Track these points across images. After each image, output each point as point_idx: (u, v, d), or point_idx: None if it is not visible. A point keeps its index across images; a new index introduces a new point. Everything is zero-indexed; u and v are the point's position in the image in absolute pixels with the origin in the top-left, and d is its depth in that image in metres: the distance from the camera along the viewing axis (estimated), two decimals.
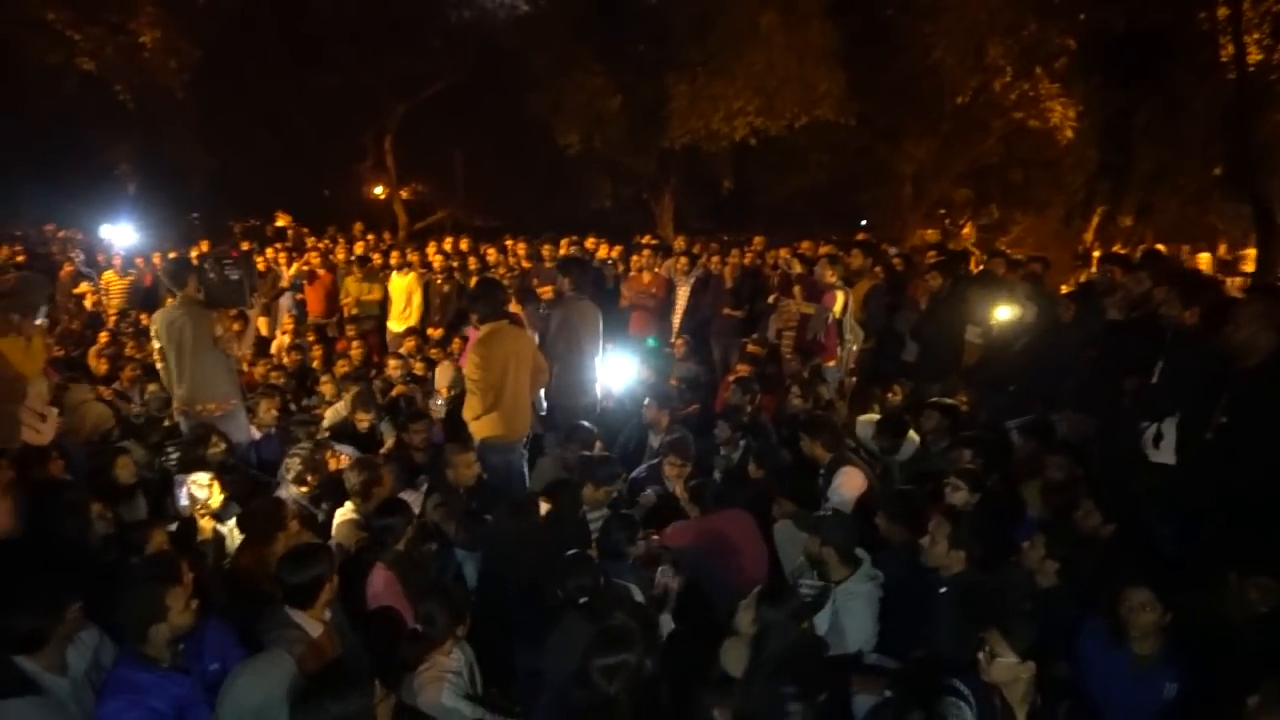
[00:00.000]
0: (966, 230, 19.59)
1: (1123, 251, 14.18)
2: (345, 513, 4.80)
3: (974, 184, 18.04)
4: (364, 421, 6.54)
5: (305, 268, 10.53)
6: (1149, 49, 12.65)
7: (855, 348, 7.65)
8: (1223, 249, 18.69)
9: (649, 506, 5.32)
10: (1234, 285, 10.85)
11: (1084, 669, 3.47)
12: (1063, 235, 17.60)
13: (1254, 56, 11.71)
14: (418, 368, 8.15)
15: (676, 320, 9.09)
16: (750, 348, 8.13)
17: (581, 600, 3.72)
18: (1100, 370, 5.42)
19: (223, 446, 5.38)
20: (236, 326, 6.12)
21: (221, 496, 4.73)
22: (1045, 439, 5.45)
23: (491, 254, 11.38)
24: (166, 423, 6.19)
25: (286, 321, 10.38)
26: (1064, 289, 9.15)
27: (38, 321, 5.13)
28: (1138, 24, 12.54)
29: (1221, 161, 13.30)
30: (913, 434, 5.86)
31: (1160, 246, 12.50)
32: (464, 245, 11.99)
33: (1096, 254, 14.33)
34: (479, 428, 5.49)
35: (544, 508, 4.70)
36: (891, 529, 4.39)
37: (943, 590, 3.83)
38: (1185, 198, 15.63)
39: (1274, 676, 2.81)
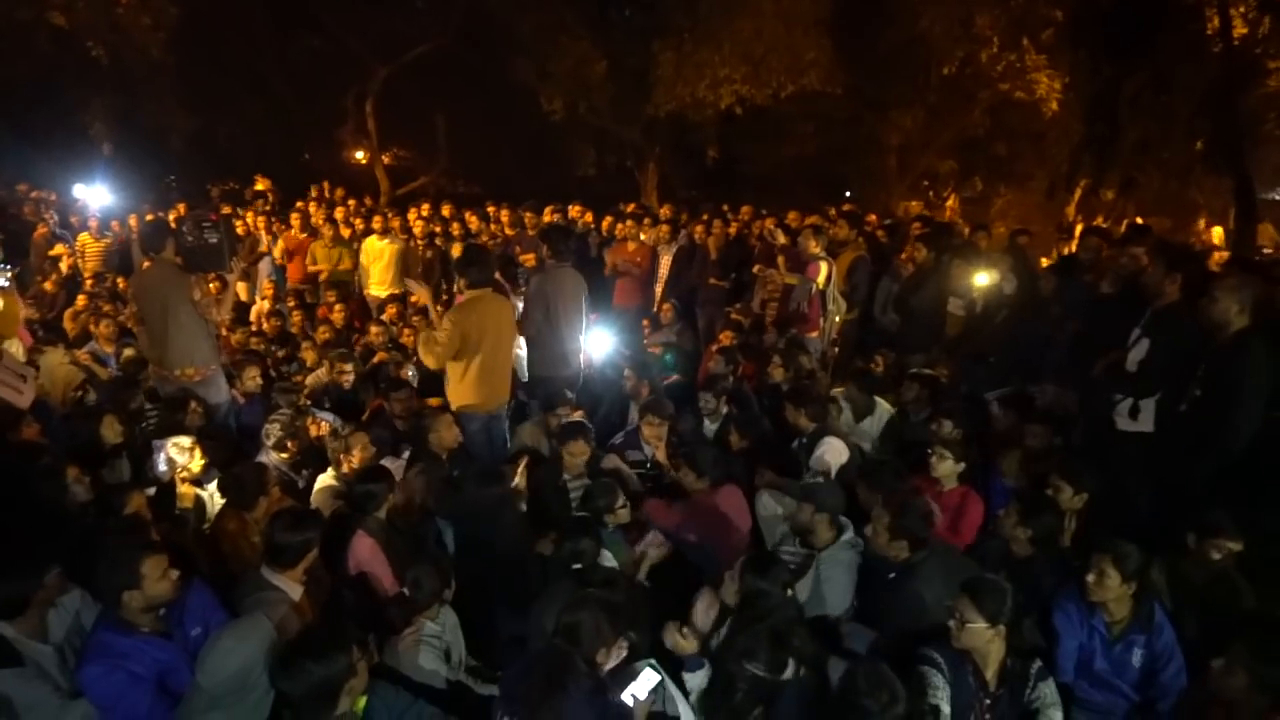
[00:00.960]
0: (950, 202, 19.58)
1: (1104, 225, 14.26)
2: (325, 479, 4.81)
3: (959, 156, 18.01)
4: (346, 375, 6.53)
5: (290, 244, 10.39)
6: (1137, 21, 12.62)
7: (838, 319, 7.68)
8: (1202, 224, 18.81)
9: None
10: (1218, 260, 10.91)
11: (1058, 638, 3.52)
12: (1046, 208, 17.62)
13: (1239, 30, 11.71)
14: (405, 335, 8.08)
15: (659, 289, 9.07)
16: (734, 316, 8.14)
17: (575, 566, 3.75)
18: (1083, 343, 5.46)
19: (201, 412, 5.36)
20: (214, 289, 6.06)
21: (202, 460, 4.71)
22: (1024, 410, 5.51)
23: (474, 221, 11.27)
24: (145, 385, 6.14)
25: (266, 287, 10.27)
26: (1045, 262, 9.19)
27: (2, 283, 5.06)
28: None
29: (1205, 135, 13.36)
30: (884, 402, 5.91)
31: (1139, 219, 12.56)
32: (446, 211, 11.86)
33: (1079, 228, 14.39)
34: (456, 395, 5.50)
35: (521, 475, 4.70)
36: (872, 499, 4.43)
37: (891, 576, 3.81)
38: (1169, 172, 15.68)
39: (1239, 639, 2.88)
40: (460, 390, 5.47)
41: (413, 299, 9.03)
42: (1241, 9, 11.78)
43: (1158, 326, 4.81)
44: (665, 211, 10.76)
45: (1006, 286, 6.74)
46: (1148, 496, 4.68)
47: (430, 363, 5.41)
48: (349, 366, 6.62)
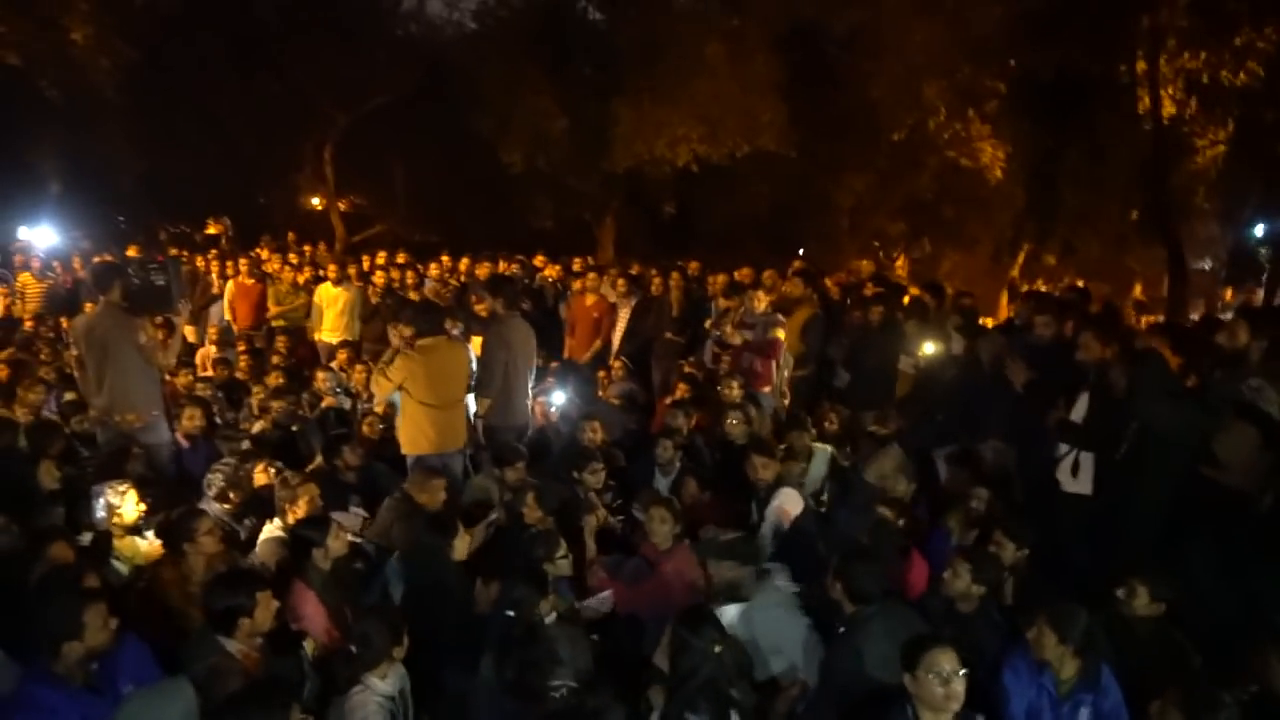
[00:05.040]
0: (900, 263, 20.10)
1: (1045, 288, 14.77)
2: (270, 530, 4.70)
3: (908, 218, 18.55)
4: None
5: (239, 290, 10.26)
6: (1075, 96, 13.26)
7: (786, 373, 7.76)
8: (1138, 290, 19.64)
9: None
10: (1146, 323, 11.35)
11: (1008, 696, 3.53)
12: (992, 271, 18.20)
13: (1168, 110, 12.36)
14: (357, 378, 7.97)
15: (615, 342, 9.11)
16: (687, 369, 8.20)
17: (509, 613, 3.71)
18: (1027, 398, 5.61)
19: (143, 458, 5.21)
20: (160, 335, 5.94)
21: (140, 508, 4.56)
22: (971, 468, 5.62)
23: (434, 269, 11.24)
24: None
25: (214, 332, 10.09)
26: (989, 323, 9.46)
27: None
28: (1065, 72, 13.14)
29: (1139, 206, 13.97)
30: (820, 445, 6.02)
31: (1080, 282, 13.03)
32: (401, 259, 11.85)
33: (1025, 289, 14.91)
34: (411, 441, 5.59)
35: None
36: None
37: (841, 630, 3.81)
38: (1106, 239, 16.35)
39: (1174, 683, 2.96)
40: (415, 435, 5.59)
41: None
42: (1170, 90, 12.46)
43: (1100, 387, 4.98)
44: (634, 269, 10.87)
45: (955, 346, 6.91)
46: (1089, 553, 4.80)
47: (378, 391, 5.66)
48: (276, 404, 6.67)
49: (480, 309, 8.65)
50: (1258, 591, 4.00)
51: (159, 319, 6.21)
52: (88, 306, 5.61)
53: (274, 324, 10.09)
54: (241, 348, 9.40)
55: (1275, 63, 11.12)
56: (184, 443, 5.99)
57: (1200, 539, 4.37)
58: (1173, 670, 3.61)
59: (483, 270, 10.15)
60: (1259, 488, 4.26)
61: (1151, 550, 4.38)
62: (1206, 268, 20.02)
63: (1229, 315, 7.03)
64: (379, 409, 6.60)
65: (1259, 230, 13.35)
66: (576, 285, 9.63)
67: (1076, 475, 5.01)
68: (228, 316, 10.24)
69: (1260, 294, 13.24)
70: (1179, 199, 12.98)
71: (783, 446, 5.88)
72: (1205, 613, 3.96)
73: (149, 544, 4.49)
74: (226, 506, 4.98)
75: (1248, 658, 3.42)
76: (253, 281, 10.32)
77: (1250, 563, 4.13)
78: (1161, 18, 11.77)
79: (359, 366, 8.20)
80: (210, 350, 9.62)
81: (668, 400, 7.50)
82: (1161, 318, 11.42)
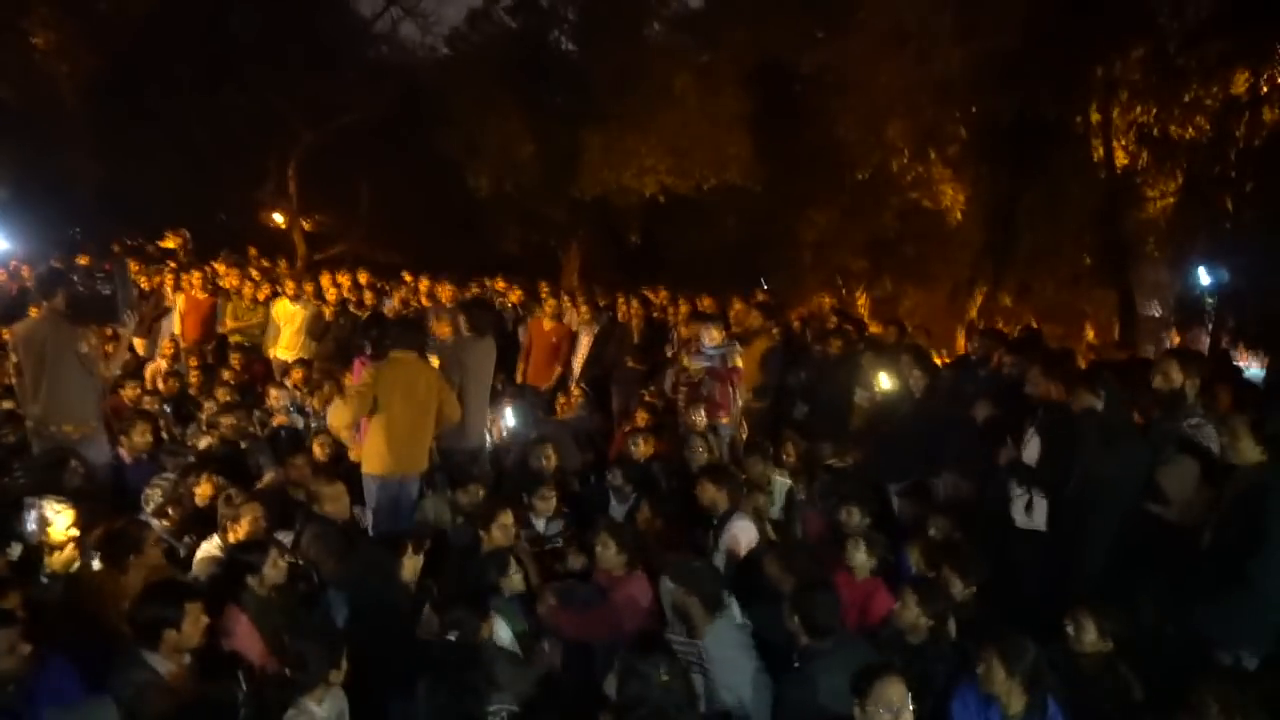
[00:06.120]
0: (861, 300, 20.36)
1: (1002, 328, 15.00)
2: (208, 548, 4.57)
3: (870, 255, 18.82)
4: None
5: (189, 304, 10.02)
6: (1033, 142, 13.61)
7: (740, 403, 7.76)
8: (1090, 333, 20.10)
9: None
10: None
11: None
12: (950, 310, 18.47)
13: (1121, 161, 12.75)
14: (314, 403, 7.80)
15: (576, 368, 9.08)
16: (648, 398, 8.18)
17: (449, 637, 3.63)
18: (982, 433, 5.66)
19: (81, 472, 5.04)
20: (109, 349, 5.78)
21: (73, 532, 4.37)
22: (925, 501, 5.66)
23: (402, 293, 11.13)
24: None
25: (166, 345, 9.83)
26: (946, 359, 9.59)
27: None
28: (1024, 116, 13.50)
29: (1093, 250, 14.34)
30: (779, 477, 6.03)
31: (1034, 324, 13.31)
32: (363, 279, 11.71)
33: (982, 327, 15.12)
34: (368, 460, 5.43)
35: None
36: (784, 579, 4.41)
37: (796, 665, 3.80)
38: (1060, 281, 16.72)
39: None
40: (372, 455, 5.41)
41: None
42: (1123, 141, 12.86)
43: (1047, 425, 5.05)
44: (603, 300, 10.86)
45: (915, 382, 6.94)
46: (1043, 589, 4.83)
47: (337, 420, 5.46)
48: (225, 420, 6.49)
49: (441, 331, 8.57)
50: (1199, 627, 4.05)
51: (108, 330, 6.06)
52: (32, 312, 5.44)
53: (232, 340, 9.87)
54: (193, 363, 9.18)
55: (1222, 119, 11.53)
56: (126, 458, 5.81)
57: (1146, 574, 4.42)
58: (1118, 705, 3.64)
59: (444, 292, 10.05)
60: (1200, 523, 4.33)
61: (1100, 585, 4.41)
62: (1157, 314, 20.54)
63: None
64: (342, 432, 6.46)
65: (1204, 278, 13.75)
66: (538, 310, 9.60)
67: (1030, 514, 5.06)
68: (176, 330, 10.00)
69: (1205, 339, 13.61)
70: (1130, 246, 13.36)
71: (744, 477, 5.88)
72: (1150, 648, 3.99)
73: (68, 550, 4.30)
74: (165, 523, 4.83)
75: (1186, 696, 3.45)
76: (205, 296, 10.10)
77: (1193, 598, 4.18)
78: (1115, 70, 12.17)
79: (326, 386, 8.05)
80: (161, 364, 9.38)
81: (627, 427, 7.46)
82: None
